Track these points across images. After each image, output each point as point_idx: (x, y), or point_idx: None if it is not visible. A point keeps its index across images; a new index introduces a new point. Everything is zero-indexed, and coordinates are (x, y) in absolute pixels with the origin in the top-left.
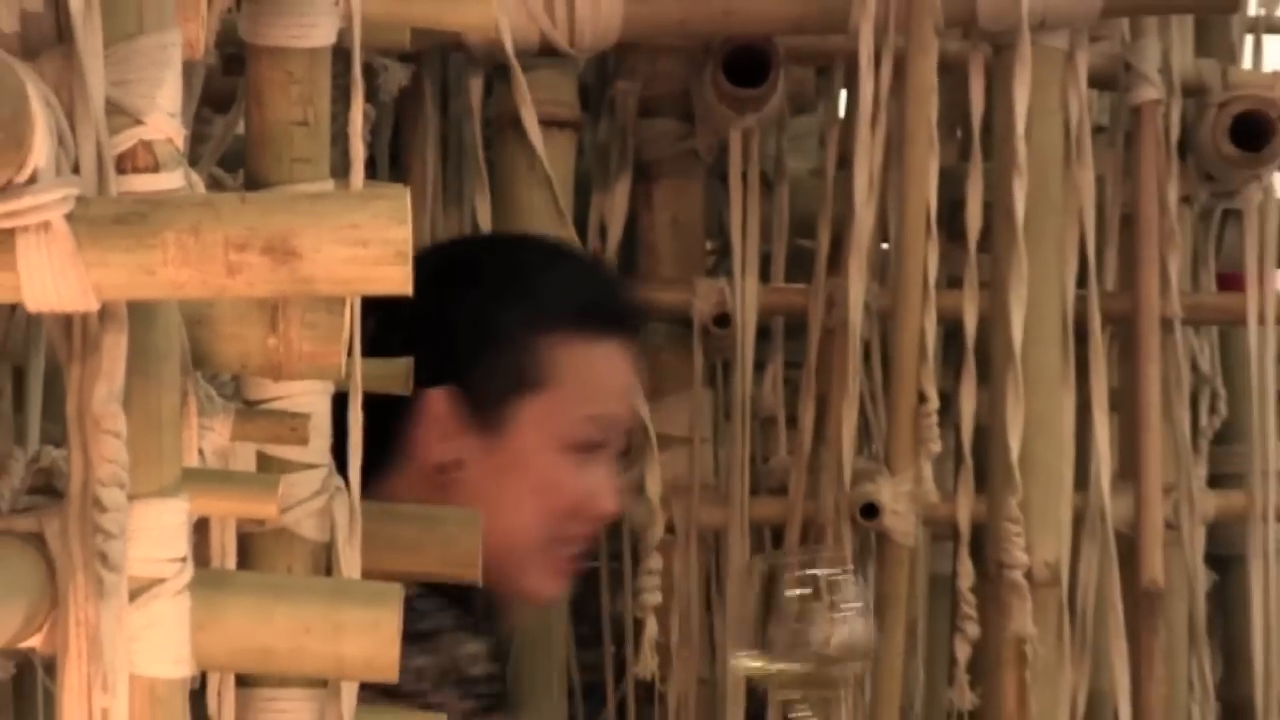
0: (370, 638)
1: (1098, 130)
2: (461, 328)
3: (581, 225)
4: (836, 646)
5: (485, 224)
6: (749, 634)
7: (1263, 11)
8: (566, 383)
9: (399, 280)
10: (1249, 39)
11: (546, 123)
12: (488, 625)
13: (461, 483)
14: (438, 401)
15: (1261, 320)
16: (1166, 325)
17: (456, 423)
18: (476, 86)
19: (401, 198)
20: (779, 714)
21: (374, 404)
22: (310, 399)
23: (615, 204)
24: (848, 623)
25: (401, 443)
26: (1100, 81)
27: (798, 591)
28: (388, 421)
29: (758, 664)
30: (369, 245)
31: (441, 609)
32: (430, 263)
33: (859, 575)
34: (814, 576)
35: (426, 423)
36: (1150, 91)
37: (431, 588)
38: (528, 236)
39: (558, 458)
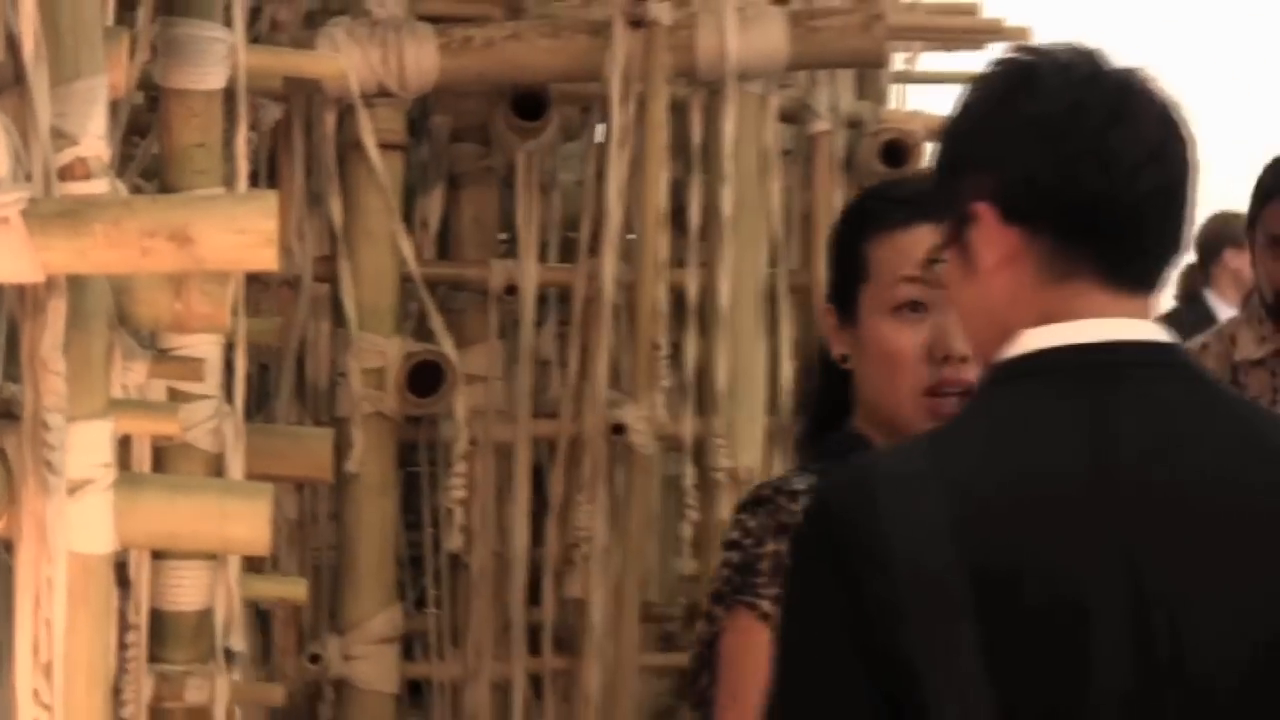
0: (248, 523)
1: (785, 153)
2: (831, 259)
3: (409, 221)
4: None
5: (338, 221)
6: None
7: (905, 66)
8: (880, 264)
9: (269, 259)
10: (895, 87)
11: (382, 146)
12: None
13: (854, 371)
14: (824, 316)
15: None
16: None
17: (838, 328)
18: (331, 119)
19: (271, 199)
20: None
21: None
22: (206, 348)
23: (432, 206)
24: None
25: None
26: (787, 117)
27: None
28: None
29: None
30: (246, 234)
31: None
32: None
33: None
34: None
35: (827, 336)
36: (822, 124)
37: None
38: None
39: (888, 324)
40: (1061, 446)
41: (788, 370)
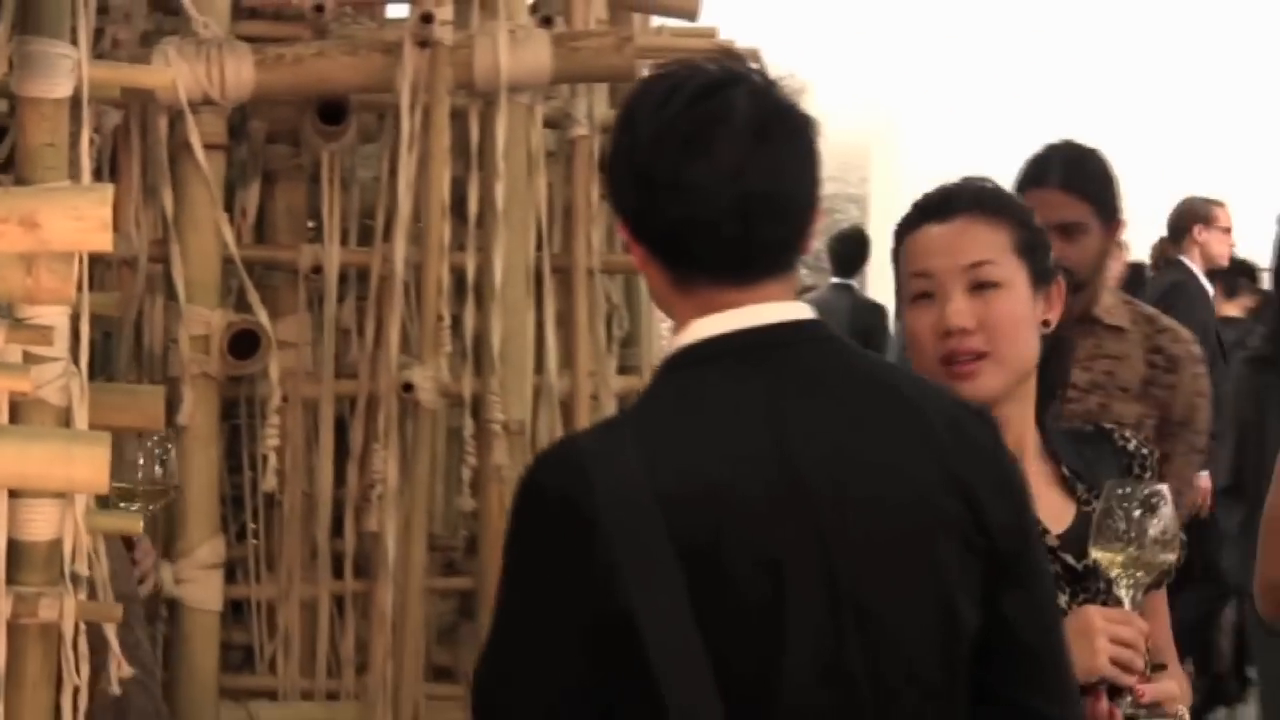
0: (90, 466)
1: (549, 154)
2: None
3: (230, 210)
4: (1157, 539)
5: (169, 210)
6: (1102, 536)
7: None
8: (902, 263)
9: (105, 242)
10: None
11: (207, 146)
12: None
13: None
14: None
15: None
16: (590, 273)
17: None
18: (163, 123)
19: (106, 191)
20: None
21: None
22: (55, 317)
23: (250, 198)
24: (1164, 523)
25: None
26: (550, 123)
27: (1137, 510)
28: None
29: (1113, 555)
30: (85, 220)
31: None
32: None
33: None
34: (1147, 497)
35: None
36: (581, 130)
37: None
38: None
39: (910, 312)
40: (743, 426)
41: (552, 338)
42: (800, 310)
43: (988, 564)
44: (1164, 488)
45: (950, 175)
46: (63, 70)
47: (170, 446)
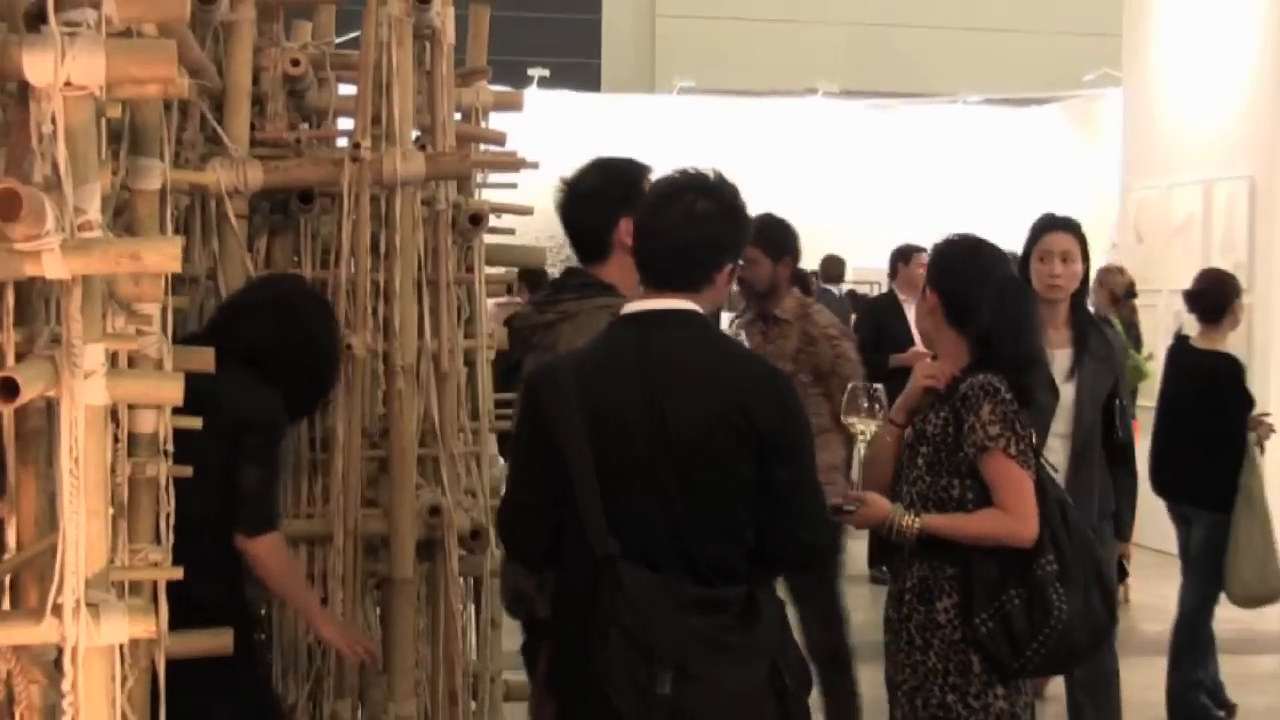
0: (172, 391)
1: (425, 220)
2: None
3: (251, 250)
4: (876, 414)
5: (216, 251)
6: (850, 411)
7: (480, 179)
8: None
9: (177, 267)
10: (476, 188)
11: (238, 216)
12: None
13: None
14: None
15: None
16: (449, 284)
17: None
18: (213, 204)
19: (179, 240)
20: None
21: None
22: (153, 309)
23: (262, 244)
24: (880, 407)
25: None
26: (425, 202)
27: (865, 399)
28: None
29: (853, 421)
30: (165, 254)
31: None
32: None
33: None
34: (871, 389)
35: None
36: (441, 206)
37: None
38: None
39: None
40: (627, 355)
41: (427, 318)
42: (681, 303)
43: (760, 447)
44: (879, 387)
45: None
46: (156, 174)
47: None
